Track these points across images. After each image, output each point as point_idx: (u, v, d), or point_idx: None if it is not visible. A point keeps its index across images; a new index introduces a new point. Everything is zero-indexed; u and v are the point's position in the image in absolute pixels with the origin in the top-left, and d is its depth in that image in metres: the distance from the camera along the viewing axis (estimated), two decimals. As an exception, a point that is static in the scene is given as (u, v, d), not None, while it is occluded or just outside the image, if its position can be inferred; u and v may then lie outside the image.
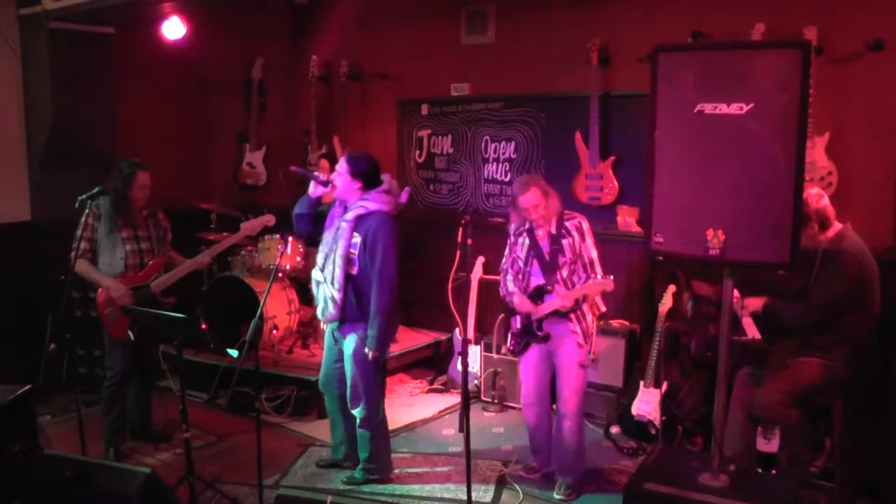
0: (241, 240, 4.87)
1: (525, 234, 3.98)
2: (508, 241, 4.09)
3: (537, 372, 4.01)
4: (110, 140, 5.74)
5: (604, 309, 4.22)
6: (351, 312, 3.88)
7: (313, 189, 4.00)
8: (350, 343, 3.92)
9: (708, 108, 2.84)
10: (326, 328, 4.16)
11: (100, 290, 4.26)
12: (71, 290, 4.59)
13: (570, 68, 5.24)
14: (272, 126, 6.81)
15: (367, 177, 3.87)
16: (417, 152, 6.20)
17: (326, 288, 3.89)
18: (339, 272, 3.83)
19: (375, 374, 3.97)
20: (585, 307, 3.92)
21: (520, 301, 3.95)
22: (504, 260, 4.11)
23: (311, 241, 5.66)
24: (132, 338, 4.21)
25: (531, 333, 3.93)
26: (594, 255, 3.89)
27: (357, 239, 3.82)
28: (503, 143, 5.73)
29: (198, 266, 4.52)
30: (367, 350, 3.84)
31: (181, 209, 5.42)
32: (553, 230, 3.89)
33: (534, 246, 3.93)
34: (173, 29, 5.68)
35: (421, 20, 6.01)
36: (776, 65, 2.73)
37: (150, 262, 4.35)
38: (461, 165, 5.99)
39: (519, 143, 5.65)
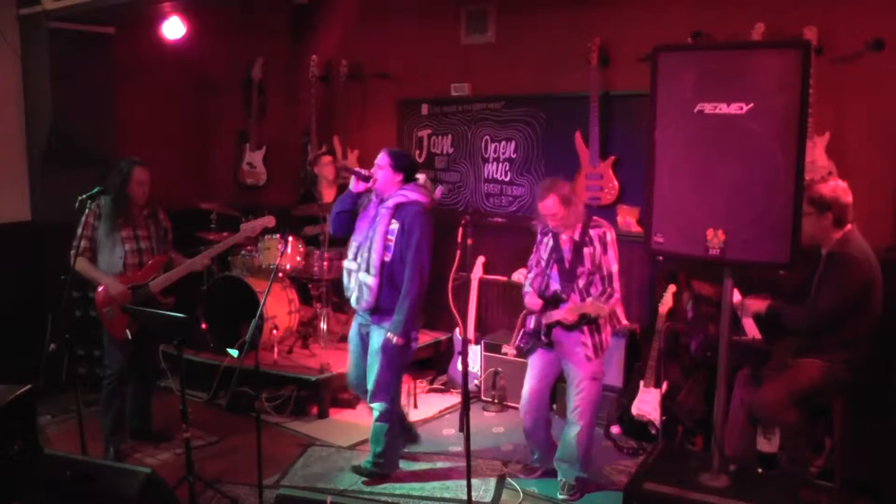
0: (241, 240, 4.87)
1: (550, 235, 3.94)
2: (536, 240, 4.06)
3: (540, 376, 3.99)
4: (110, 140, 5.74)
5: (624, 322, 4.16)
6: (384, 301, 3.90)
7: (354, 184, 4.03)
8: (379, 335, 3.92)
9: (708, 107, 2.84)
10: (352, 325, 4.17)
11: (98, 289, 4.27)
12: (71, 290, 4.59)
13: (570, 68, 5.24)
14: (272, 126, 6.81)
15: (408, 171, 3.96)
16: (417, 152, 6.19)
17: (361, 275, 3.92)
18: (375, 257, 3.86)
19: (400, 368, 4.00)
20: (602, 320, 3.85)
21: (530, 300, 3.94)
22: (531, 257, 4.09)
23: (311, 241, 5.71)
24: (130, 337, 4.22)
25: (537, 338, 3.93)
26: (614, 268, 3.83)
27: (395, 225, 3.87)
28: (503, 142, 5.73)
29: (196, 267, 4.52)
30: (389, 334, 3.85)
31: (181, 209, 5.41)
32: (576, 237, 3.85)
33: (556, 249, 3.90)
34: (173, 29, 5.69)
35: (421, 20, 6.01)
36: (776, 65, 2.74)
37: (150, 262, 4.36)
38: (461, 165, 5.98)
39: (519, 142, 5.65)
